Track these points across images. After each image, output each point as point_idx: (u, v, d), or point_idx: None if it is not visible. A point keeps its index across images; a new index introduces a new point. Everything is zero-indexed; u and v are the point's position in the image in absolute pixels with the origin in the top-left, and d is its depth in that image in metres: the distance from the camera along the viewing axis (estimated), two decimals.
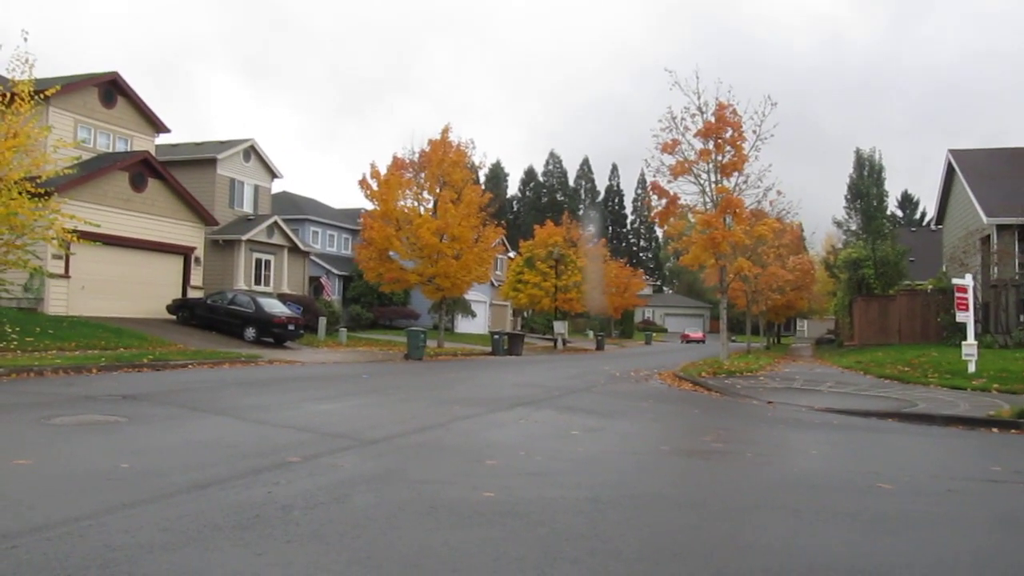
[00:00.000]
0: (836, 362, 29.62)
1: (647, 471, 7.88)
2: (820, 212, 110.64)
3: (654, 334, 74.46)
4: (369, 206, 34.44)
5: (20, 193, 17.51)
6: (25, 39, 19.01)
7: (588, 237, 60.98)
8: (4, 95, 17.86)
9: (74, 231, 19.41)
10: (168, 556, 4.29)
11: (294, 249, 39.21)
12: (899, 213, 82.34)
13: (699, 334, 74.02)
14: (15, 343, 18.73)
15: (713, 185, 24.38)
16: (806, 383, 19.89)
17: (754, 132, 24.00)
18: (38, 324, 21.45)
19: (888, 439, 10.82)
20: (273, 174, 40.52)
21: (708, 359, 27.68)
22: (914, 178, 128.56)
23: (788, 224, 35.04)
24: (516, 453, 8.23)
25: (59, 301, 25.77)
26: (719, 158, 24.19)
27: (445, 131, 33.60)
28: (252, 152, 38.96)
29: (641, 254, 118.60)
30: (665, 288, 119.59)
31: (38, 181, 18.47)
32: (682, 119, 24.17)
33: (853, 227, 56.77)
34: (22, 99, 18.00)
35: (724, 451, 9.34)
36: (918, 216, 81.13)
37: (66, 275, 25.98)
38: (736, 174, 24.38)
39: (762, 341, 55.95)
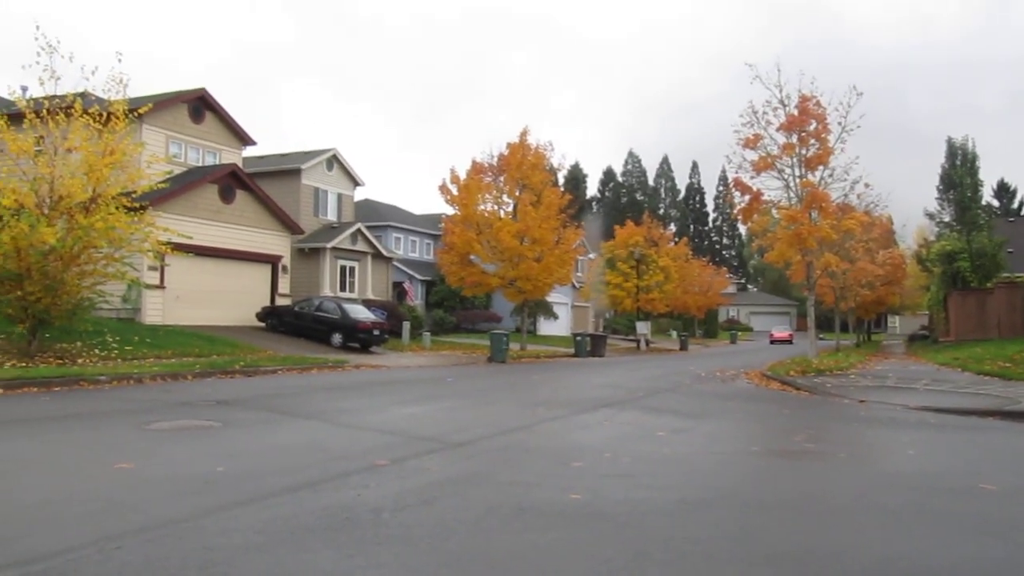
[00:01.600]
0: (931, 359, 28.62)
1: (737, 472, 7.72)
2: (911, 204, 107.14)
3: (739, 333, 73.16)
4: (450, 211, 34.78)
5: (117, 208, 18.22)
6: (119, 60, 19.84)
7: (669, 236, 60.35)
8: (101, 115, 18.60)
9: (168, 243, 20.08)
10: (263, 557, 4.39)
11: (377, 255, 39.82)
12: (995, 203, 79.01)
13: (785, 333, 66.07)
14: (116, 352, 19.48)
15: (797, 179, 23.83)
16: (900, 381, 19.26)
17: (839, 124, 23.39)
18: (136, 333, 22.26)
19: (990, 438, 10.38)
20: (355, 182, 41.25)
21: (796, 358, 27.05)
22: (1011, 166, 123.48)
23: (877, 217, 34.02)
24: (602, 455, 8.17)
25: (155, 311, 26.71)
26: (803, 152, 23.63)
27: (523, 134, 33.71)
28: (335, 161, 39.75)
29: (724, 252, 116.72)
30: (750, 286, 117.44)
31: (133, 196, 19.17)
32: (764, 113, 23.71)
33: (946, 218, 54.65)
34: (117, 118, 18.73)
35: (816, 451, 9.10)
36: (1016, 205, 77.80)
37: (161, 286, 26.92)
38: (821, 167, 23.78)
39: (852, 338, 54.51)
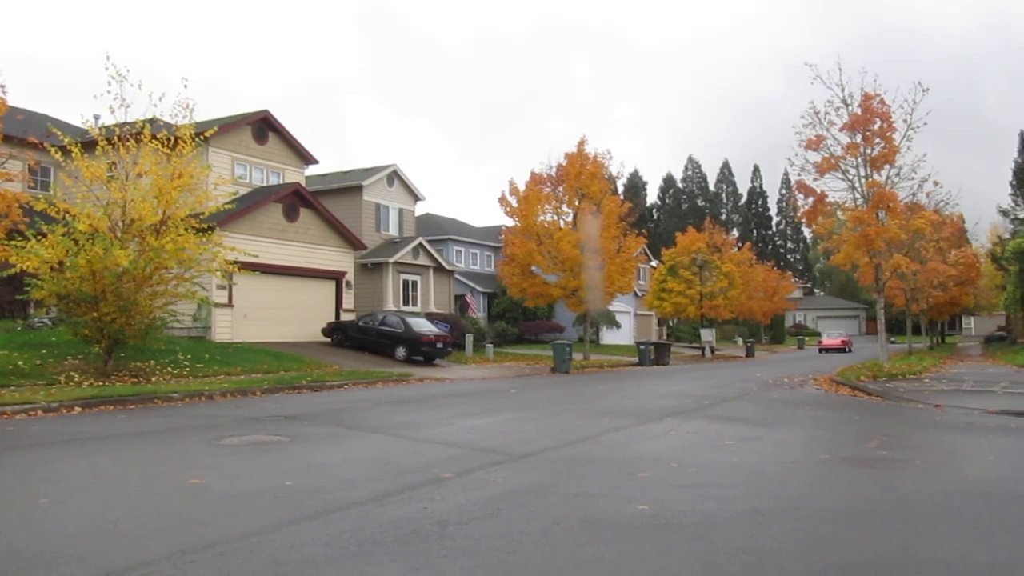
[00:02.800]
0: (1010, 360, 27.72)
1: (808, 481, 7.56)
2: (983, 201, 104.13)
3: (806, 338, 71.78)
4: (510, 223, 34.88)
5: (186, 229, 18.71)
6: (185, 86, 20.36)
7: (732, 241, 59.61)
8: (169, 139, 19.14)
9: (235, 262, 20.52)
10: (331, 571, 4.44)
11: (439, 269, 40.11)
12: None
13: (837, 340, 55.40)
14: (187, 369, 19.95)
15: (863, 180, 23.34)
16: (977, 384, 18.68)
17: (905, 121, 22.86)
18: (206, 351, 22.78)
19: None
20: (416, 197, 41.66)
21: (867, 362, 26.45)
22: None
23: (947, 216, 33.11)
24: (668, 465, 8.08)
25: (224, 328, 27.30)
26: (868, 151, 23.15)
27: (581, 144, 33.67)
28: (395, 177, 40.21)
29: (789, 256, 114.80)
30: (816, 290, 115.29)
31: (201, 217, 19.67)
32: (826, 113, 23.30)
33: (1021, 215, 52.85)
34: (185, 142, 19.26)
35: (890, 459, 8.86)
36: None
37: (229, 304, 27.51)
38: (887, 167, 23.26)
39: (924, 341, 53.12)
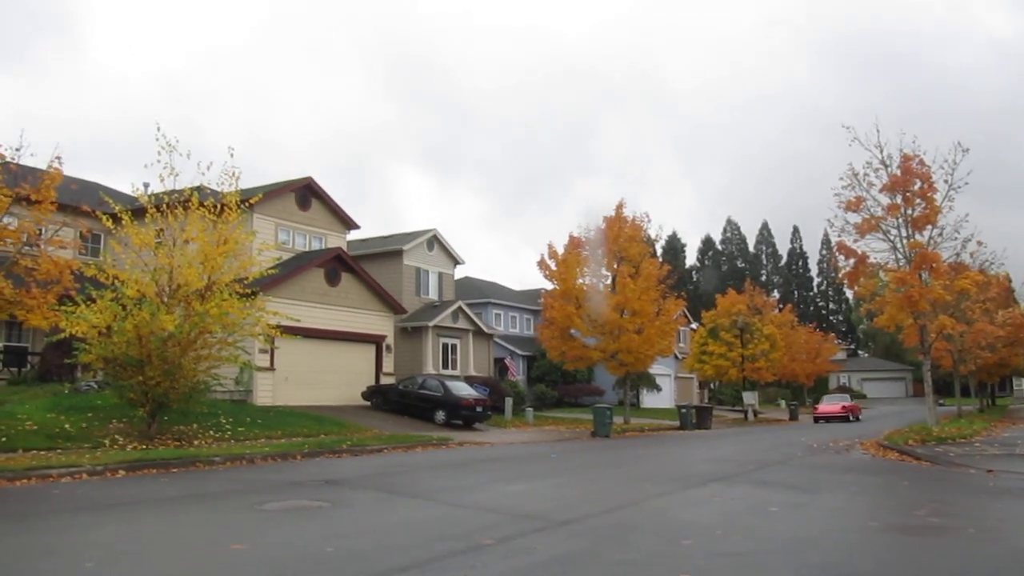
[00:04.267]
0: None
1: (856, 550, 7.38)
2: None
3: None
4: (549, 286, 35.00)
5: (230, 294, 19.03)
6: (231, 155, 21.06)
7: (773, 303, 59.12)
8: (215, 207, 19.62)
9: (278, 326, 20.78)
10: None
11: (478, 332, 40.22)
12: None
13: (836, 406, 44.41)
14: (229, 432, 20.10)
15: (904, 240, 23.13)
16: None
17: (945, 182, 22.68)
18: (248, 414, 22.94)
19: None
20: (455, 260, 42.05)
21: (915, 425, 25.86)
22: None
23: (993, 276, 32.56)
24: (712, 532, 7.94)
25: (266, 392, 27.52)
26: (909, 212, 22.98)
27: (619, 207, 33.91)
28: (435, 241, 40.68)
29: (831, 317, 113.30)
30: (860, 351, 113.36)
31: (245, 282, 20.01)
32: (865, 175, 23.23)
33: None
34: (230, 209, 19.73)
35: (941, 526, 8.63)
36: None
37: (271, 367, 27.77)
38: (929, 227, 23.05)
39: (974, 403, 51.86)
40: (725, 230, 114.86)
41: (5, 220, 15.41)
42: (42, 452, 15.28)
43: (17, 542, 7.51)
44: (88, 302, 17.66)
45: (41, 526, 8.42)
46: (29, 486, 11.57)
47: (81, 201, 21.88)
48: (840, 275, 26.16)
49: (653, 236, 36.96)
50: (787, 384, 64.31)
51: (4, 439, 15.75)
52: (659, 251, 70.68)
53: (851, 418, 42.67)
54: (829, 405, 45.62)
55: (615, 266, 33.47)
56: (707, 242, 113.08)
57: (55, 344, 20.85)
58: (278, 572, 6.15)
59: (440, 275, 40.85)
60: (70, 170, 19.83)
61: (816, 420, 43.05)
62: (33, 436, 16.51)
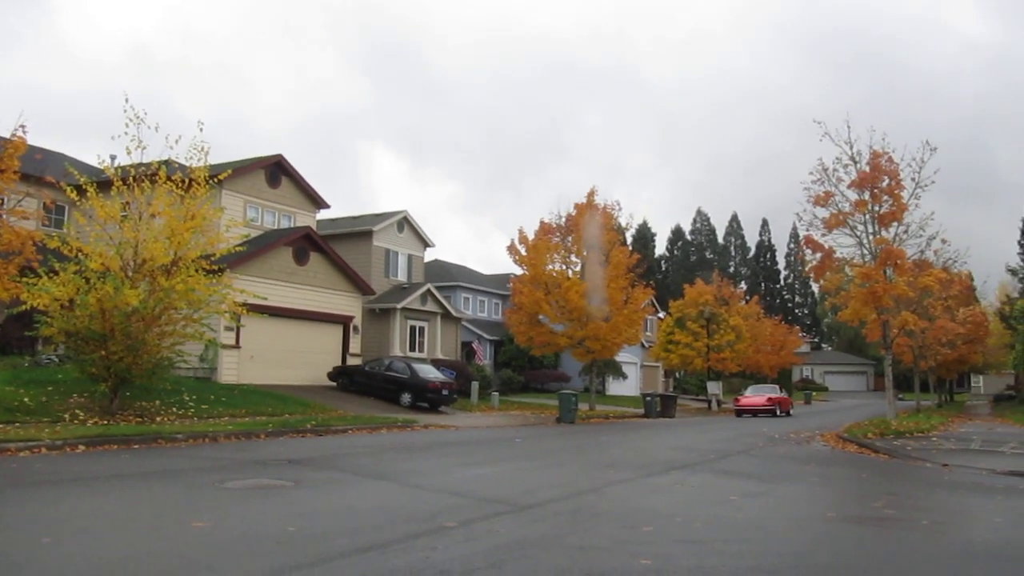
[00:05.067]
0: (1019, 420, 27.52)
1: (813, 539, 7.50)
2: (992, 259, 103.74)
3: (814, 393, 71.34)
4: (518, 271, 35.03)
5: (197, 271, 18.82)
6: (201, 129, 20.67)
7: (740, 295, 59.59)
8: (183, 181, 19.36)
9: (244, 304, 20.61)
10: None
11: (447, 315, 40.17)
12: None
13: (762, 397, 39.19)
14: (192, 410, 19.94)
15: (871, 236, 23.43)
16: (985, 444, 18.53)
17: (913, 180, 22.99)
18: (212, 392, 22.77)
19: None
20: (425, 243, 41.91)
21: (874, 419, 26.27)
22: None
23: (956, 274, 33.11)
24: (673, 519, 8.03)
25: (230, 370, 27.31)
26: (876, 208, 23.27)
27: (591, 194, 33.95)
28: (405, 223, 40.51)
29: (796, 310, 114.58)
30: (824, 345, 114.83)
31: (212, 259, 19.79)
32: (834, 170, 23.47)
33: None
34: (199, 184, 19.48)
35: (897, 518, 8.79)
36: None
37: (236, 346, 27.56)
38: (895, 224, 23.36)
39: (933, 399, 52.79)
40: (695, 221, 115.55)
41: None
42: (0, 425, 15.06)
43: None
44: (51, 274, 17.40)
45: None
46: None
47: (46, 171, 21.51)
48: (807, 268, 26.50)
49: (623, 225, 37.10)
50: (751, 375, 64.91)
51: None
52: (629, 240, 70.86)
53: (778, 412, 37.97)
54: (754, 396, 39.99)
55: (585, 253, 33.55)
56: (677, 232, 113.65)
57: (15, 316, 20.47)
58: (239, 550, 6.12)
59: (410, 257, 40.71)
60: (35, 140, 19.42)
61: (739, 414, 37.64)
62: None
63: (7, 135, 17.67)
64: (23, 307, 17.48)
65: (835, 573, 6.03)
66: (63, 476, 10.19)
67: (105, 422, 16.61)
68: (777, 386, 44.53)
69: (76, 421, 16.51)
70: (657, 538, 7.02)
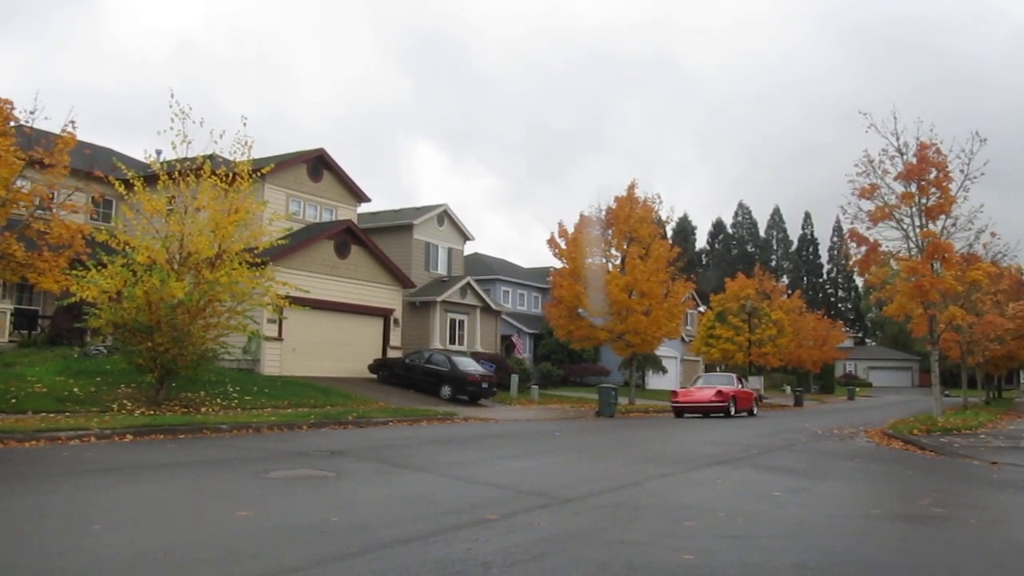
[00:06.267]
0: None
1: (858, 536, 7.39)
2: None
3: (857, 389, 70.36)
4: (558, 264, 34.98)
5: (240, 263, 19.09)
6: (244, 124, 20.95)
7: (782, 288, 58.91)
8: (227, 175, 19.63)
9: (286, 297, 20.85)
10: None
11: (486, 309, 40.27)
12: None
13: (708, 392, 29.57)
14: (236, 401, 20.23)
15: (918, 230, 22.98)
16: None
17: (961, 172, 22.47)
18: (255, 384, 23.07)
19: None
20: (465, 237, 42.04)
21: (920, 415, 25.85)
22: None
23: (1006, 268, 32.36)
24: (715, 514, 7.97)
25: (273, 362, 27.64)
26: (923, 201, 22.82)
27: (631, 187, 33.78)
28: (446, 216, 40.66)
29: (840, 305, 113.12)
30: (868, 340, 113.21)
31: (255, 252, 20.05)
32: (880, 162, 23.03)
33: None
34: (242, 178, 19.74)
35: (944, 516, 8.63)
36: None
37: (279, 338, 27.88)
38: (943, 217, 22.88)
39: (980, 395, 51.80)
40: (736, 214, 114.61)
41: (18, 183, 15.45)
42: (51, 415, 15.42)
43: (26, 502, 7.59)
44: (99, 267, 17.75)
45: (50, 487, 8.50)
46: (38, 448, 11.68)
47: (94, 166, 21.88)
48: (851, 262, 26.04)
49: (664, 218, 36.80)
50: (793, 370, 64.26)
51: (14, 400, 15.90)
52: (669, 233, 70.39)
53: (733, 411, 29.03)
54: (698, 390, 30.25)
55: (625, 247, 33.40)
56: (718, 226, 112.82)
57: (65, 308, 20.96)
58: (283, 539, 6.19)
59: (449, 250, 40.86)
60: (84, 135, 19.83)
61: (678, 413, 29.09)
62: (42, 399, 16.66)
63: (57, 131, 18.03)
64: (73, 299, 17.85)
65: (881, 571, 5.94)
66: (112, 465, 10.40)
67: (152, 412, 16.92)
68: (734, 375, 34.62)
69: (124, 411, 16.84)
70: (699, 533, 6.97)
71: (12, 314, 25.06)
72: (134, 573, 5.11)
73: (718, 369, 50.74)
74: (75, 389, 17.89)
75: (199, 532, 6.44)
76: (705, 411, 28.64)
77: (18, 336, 25.15)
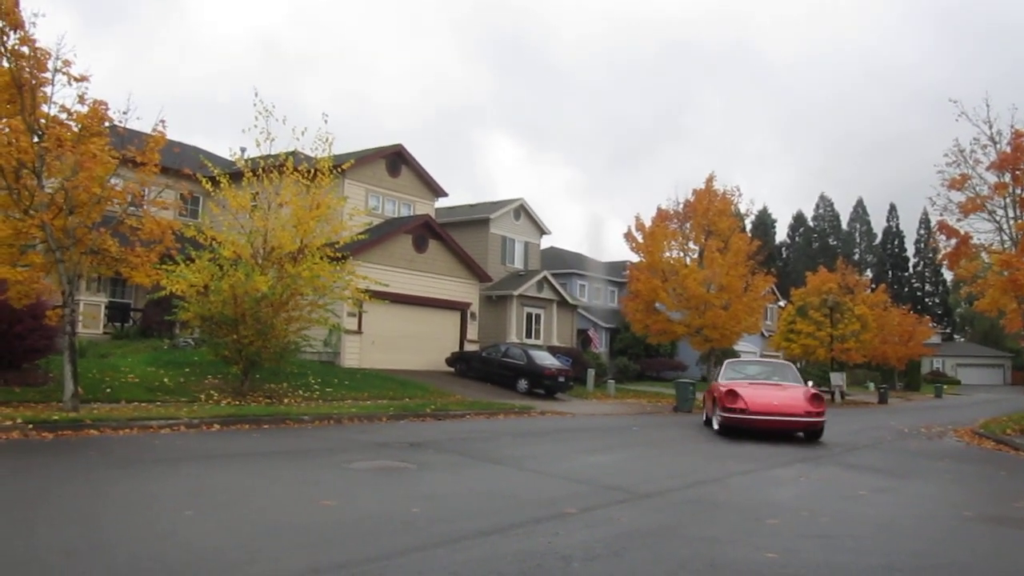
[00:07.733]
0: None
1: (949, 539, 7.17)
2: None
3: (945, 386, 68.11)
4: (635, 258, 34.72)
5: (322, 258, 19.49)
6: (325, 121, 21.26)
7: (865, 283, 57.37)
8: (309, 172, 20.03)
9: (366, 291, 21.19)
10: None
11: (562, 303, 40.22)
12: None
13: (795, 395, 16.55)
14: (317, 393, 20.65)
15: (1012, 221, 22.12)
16: None
17: None
18: (336, 376, 23.51)
19: None
20: (542, 231, 42.04)
21: (1013, 415, 24.89)
22: None
23: None
24: (799, 513, 7.82)
25: (353, 355, 28.13)
26: (1018, 191, 21.94)
27: (709, 180, 33.32)
28: (522, 211, 40.73)
29: (927, 299, 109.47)
30: (956, 336, 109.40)
31: (336, 246, 20.42)
32: (971, 152, 22.23)
33: None
34: (323, 174, 20.13)
35: None
36: None
37: (359, 331, 28.35)
38: None
39: None
40: (817, 206, 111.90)
41: (112, 181, 15.96)
42: (143, 404, 15.99)
43: (121, 489, 7.90)
44: (187, 262, 18.32)
45: (144, 474, 8.82)
46: (131, 435, 12.12)
47: (182, 164, 22.53)
48: (940, 256, 25.26)
49: (743, 211, 36.19)
50: (877, 367, 62.56)
51: (108, 390, 16.54)
52: (749, 226, 69.18)
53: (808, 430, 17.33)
54: (767, 390, 17.15)
55: (703, 240, 32.96)
56: (798, 219, 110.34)
57: (156, 301, 21.68)
58: (366, 529, 6.31)
59: (526, 244, 40.92)
60: (171, 134, 20.46)
61: (726, 429, 16.58)
62: (135, 388, 17.29)
63: (147, 130, 18.64)
64: (163, 293, 18.45)
65: (974, 575, 5.75)
66: (201, 453, 10.74)
67: (237, 403, 17.40)
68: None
69: (211, 401, 17.36)
70: (782, 531, 6.86)
71: (106, 307, 26.03)
72: (225, 559, 5.28)
73: (798, 365, 48.76)
74: (165, 379, 18.51)
75: (285, 520, 6.60)
76: (789, 427, 16.29)
77: (112, 328, 26.12)
